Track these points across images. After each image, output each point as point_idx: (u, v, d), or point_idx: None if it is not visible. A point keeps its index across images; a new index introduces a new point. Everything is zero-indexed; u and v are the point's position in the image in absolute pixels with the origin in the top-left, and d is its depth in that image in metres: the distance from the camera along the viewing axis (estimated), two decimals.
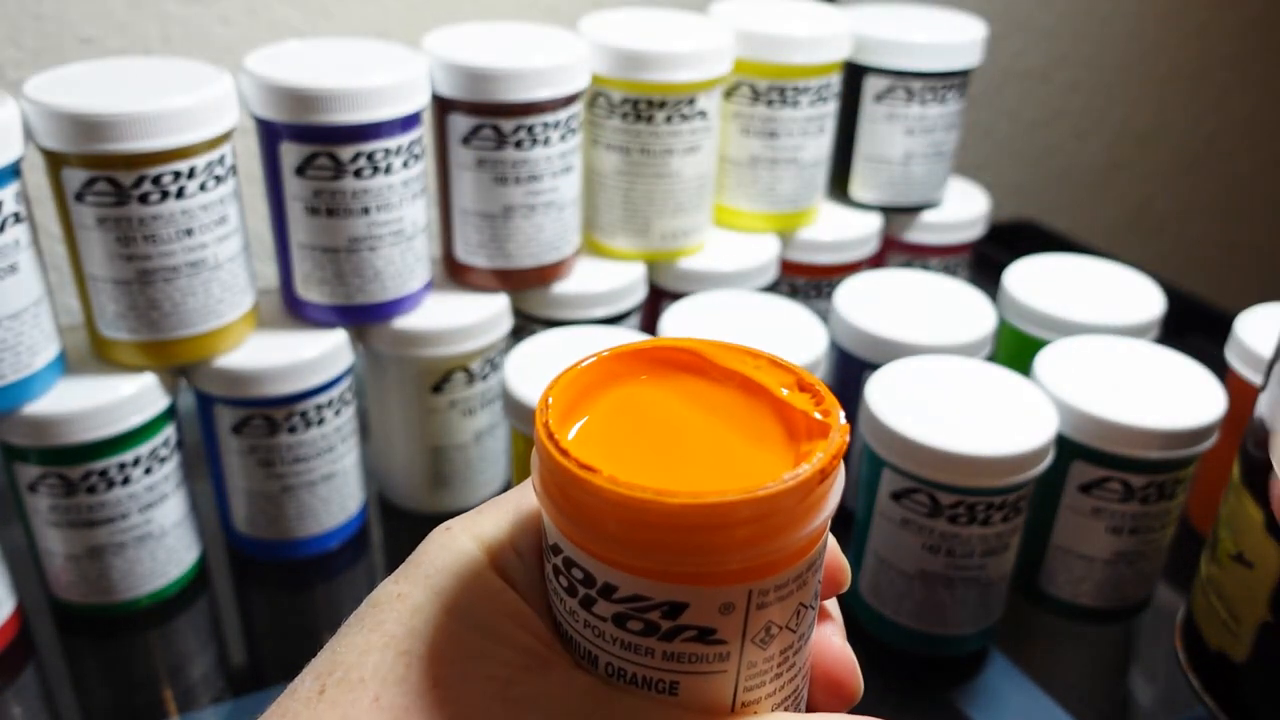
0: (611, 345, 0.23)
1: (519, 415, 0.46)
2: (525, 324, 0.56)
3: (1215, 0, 0.99)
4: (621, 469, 0.19)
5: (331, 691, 0.20)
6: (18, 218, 0.41)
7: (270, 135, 0.46)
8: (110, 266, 0.43)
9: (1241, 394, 0.50)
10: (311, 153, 0.45)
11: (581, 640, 0.21)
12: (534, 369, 0.47)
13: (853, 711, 0.25)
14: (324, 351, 0.48)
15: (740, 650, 0.20)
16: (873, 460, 0.45)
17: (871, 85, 0.63)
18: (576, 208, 0.54)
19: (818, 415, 0.21)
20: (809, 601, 0.21)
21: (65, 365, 0.45)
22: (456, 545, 0.22)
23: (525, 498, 0.24)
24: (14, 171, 0.41)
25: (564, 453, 0.19)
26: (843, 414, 0.21)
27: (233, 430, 0.48)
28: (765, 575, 0.20)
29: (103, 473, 0.45)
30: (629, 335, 0.51)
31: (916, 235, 0.68)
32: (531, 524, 0.23)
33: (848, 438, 0.20)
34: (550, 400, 0.21)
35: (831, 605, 0.25)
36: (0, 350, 0.41)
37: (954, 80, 0.63)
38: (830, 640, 0.24)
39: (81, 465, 0.44)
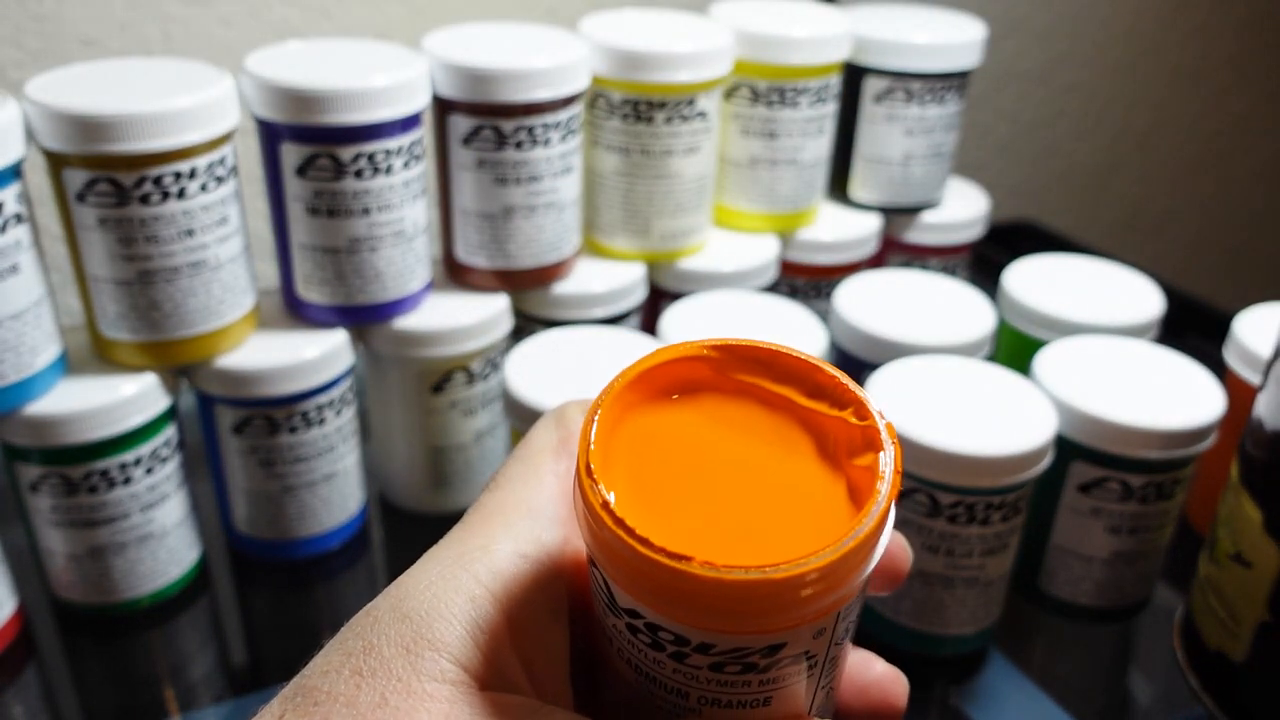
0: (621, 370, 0.22)
1: (519, 415, 0.46)
2: (525, 324, 0.56)
3: (1214, 1, 0.99)
4: (687, 534, 0.19)
5: (290, 715, 0.20)
6: (19, 218, 0.41)
7: (271, 136, 0.46)
8: (111, 267, 0.43)
9: (1240, 394, 0.50)
10: (312, 153, 0.46)
11: (669, 679, 0.21)
12: (534, 369, 0.47)
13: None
14: (324, 352, 0.48)
15: (826, 653, 0.21)
16: None
17: (871, 86, 0.63)
18: (577, 208, 0.55)
19: (856, 421, 0.21)
20: (865, 588, 0.22)
21: (66, 365, 0.45)
22: (441, 553, 0.22)
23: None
24: (15, 172, 0.41)
25: (646, 542, 0.18)
26: (882, 420, 0.20)
27: (233, 430, 0.48)
28: (846, 601, 0.20)
29: (104, 473, 0.45)
30: (629, 336, 0.51)
31: (916, 235, 0.68)
32: (534, 539, 0.23)
33: (900, 458, 0.20)
34: (592, 466, 0.20)
35: None
36: (2, 350, 0.41)
37: (953, 81, 0.63)
38: (872, 666, 0.25)
39: (83, 465, 0.44)
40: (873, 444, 0.20)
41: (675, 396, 0.22)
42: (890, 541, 0.24)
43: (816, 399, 0.21)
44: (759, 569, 0.18)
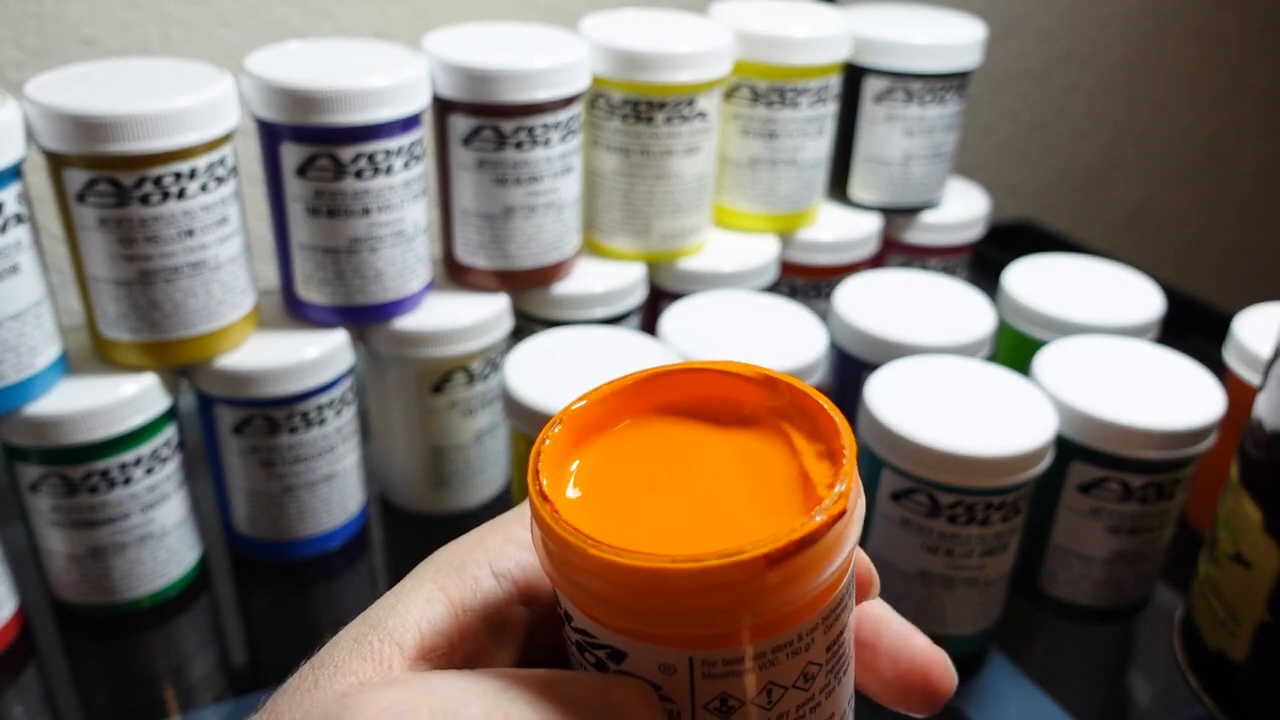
0: (616, 377, 0.22)
1: (519, 415, 0.46)
2: (525, 324, 0.56)
3: (1214, 2, 0.99)
4: (629, 533, 0.19)
5: (261, 713, 0.21)
6: (19, 219, 0.41)
7: (271, 136, 0.46)
8: (111, 267, 0.43)
9: (1240, 394, 0.50)
10: (312, 154, 0.46)
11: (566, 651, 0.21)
12: (534, 369, 0.47)
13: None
14: (324, 352, 0.48)
15: (692, 716, 0.20)
16: (872, 460, 0.45)
17: (871, 86, 0.63)
18: (576, 208, 0.55)
19: (825, 478, 0.20)
20: (797, 681, 0.20)
21: (67, 366, 0.45)
22: (426, 568, 0.22)
23: (526, 519, 0.23)
24: (15, 172, 0.41)
25: (560, 521, 0.19)
26: (842, 485, 0.19)
27: (233, 430, 0.48)
28: (712, 646, 0.19)
29: (104, 473, 0.45)
30: (629, 336, 0.51)
31: (916, 236, 0.68)
32: (528, 544, 0.23)
33: (849, 513, 0.19)
34: (557, 429, 0.21)
35: (883, 608, 0.25)
36: (2, 351, 0.41)
37: (953, 81, 0.63)
38: (913, 640, 0.25)
39: (83, 465, 0.44)
40: (836, 458, 0.19)
41: (627, 421, 0.22)
42: (859, 560, 0.23)
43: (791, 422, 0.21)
44: (639, 555, 0.18)
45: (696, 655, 0.19)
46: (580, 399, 0.22)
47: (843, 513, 0.18)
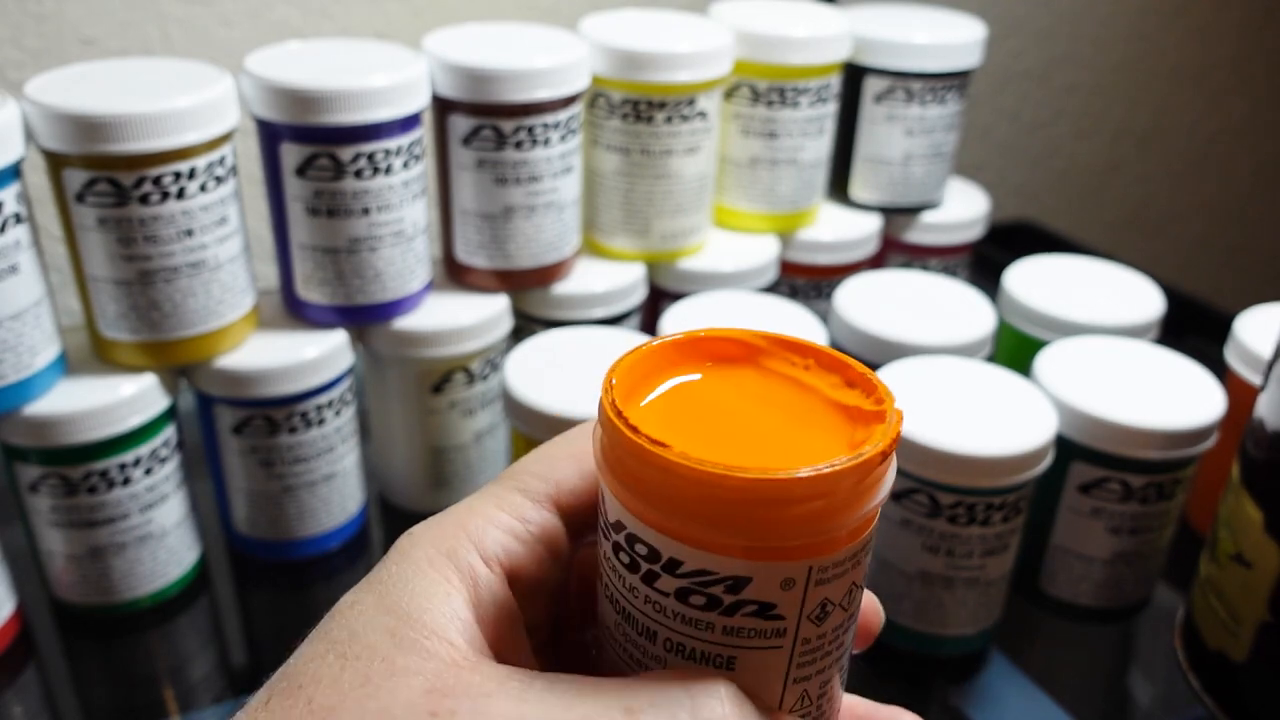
0: (665, 335, 0.23)
1: (519, 416, 0.46)
2: (525, 324, 0.56)
3: (1215, 1, 0.99)
4: (689, 447, 0.19)
5: (275, 700, 0.20)
6: (18, 218, 0.41)
7: (271, 136, 0.46)
8: (111, 267, 0.43)
9: (1241, 394, 0.50)
10: (312, 153, 0.45)
11: (640, 616, 0.21)
12: (534, 369, 0.47)
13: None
14: (324, 352, 0.48)
15: (797, 626, 0.21)
16: None
17: (871, 86, 0.63)
18: (576, 208, 0.55)
19: (871, 406, 0.22)
20: (860, 582, 0.22)
21: (66, 366, 0.45)
22: (415, 552, 0.22)
23: (501, 501, 0.24)
24: (15, 172, 0.41)
25: (634, 428, 0.20)
26: (897, 400, 0.21)
27: (233, 430, 0.48)
28: (825, 552, 0.20)
29: (103, 473, 0.45)
30: (634, 336, 0.51)
31: (916, 236, 0.68)
32: (509, 530, 0.23)
33: (903, 424, 0.21)
34: (614, 380, 0.21)
35: None
36: (1, 351, 0.41)
37: (954, 81, 0.63)
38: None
39: (82, 465, 0.44)
40: (877, 419, 0.21)
41: (701, 367, 0.23)
42: (865, 598, 0.24)
43: (853, 388, 0.22)
44: (727, 467, 0.19)
45: (815, 563, 0.20)
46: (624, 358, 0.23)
47: (899, 432, 0.21)
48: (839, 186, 0.67)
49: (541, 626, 0.25)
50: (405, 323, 0.51)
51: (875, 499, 0.20)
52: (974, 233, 0.69)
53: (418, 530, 0.23)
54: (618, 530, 0.21)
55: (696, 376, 0.23)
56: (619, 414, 0.20)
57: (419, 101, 0.47)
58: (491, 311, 0.52)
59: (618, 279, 0.56)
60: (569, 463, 0.24)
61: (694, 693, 0.20)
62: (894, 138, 0.64)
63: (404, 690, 0.20)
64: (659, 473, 0.19)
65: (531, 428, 0.45)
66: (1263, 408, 0.37)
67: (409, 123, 0.47)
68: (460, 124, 0.50)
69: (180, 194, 0.43)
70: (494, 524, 0.23)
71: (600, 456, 0.21)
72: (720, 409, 0.22)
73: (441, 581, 0.22)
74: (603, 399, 0.21)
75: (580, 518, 0.24)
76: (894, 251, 0.69)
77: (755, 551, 0.20)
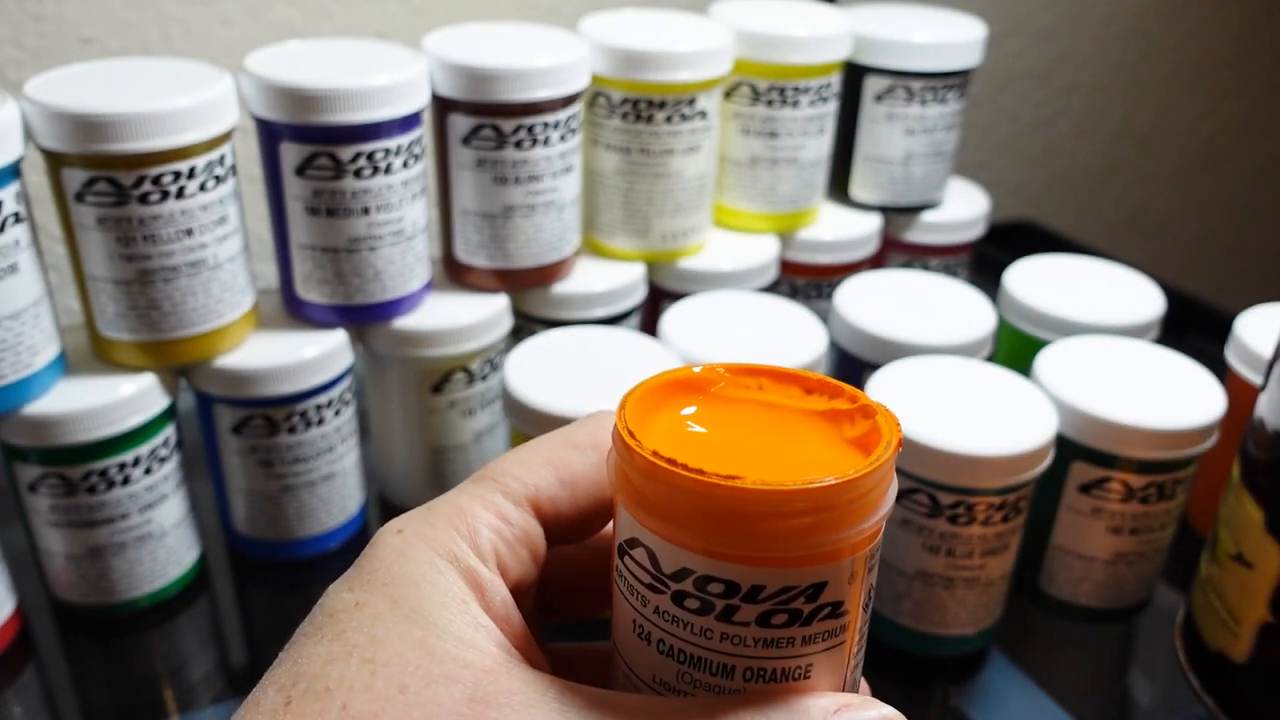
0: (624, 394, 0.23)
1: (519, 415, 0.46)
2: (525, 324, 0.56)
3: (1215, 2, 0.99)
4: (747, 474, 0.20)
5: (297, 702, 0.20)
6: (18, 218, 0.41)
7: (270, 135, 0.46)
8: (110, 266, 0.43)
9: (1241, 394, 0.50)
10: (311, 153, 0.45)
11: (714, 656, 0.21)
12: (534, 369, 0.47)
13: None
14: (324, 351, 0.48)
15: (857, 615, 0.22)
16: None
17: (871, 85, 0.63)
18: (576, 208, 0.54)
19: (845, 405, 0.23)
20: (877, 562, 0.23)
21: (65, 365, 0.45)
22: (413, 552, 0.22)
23: (485, 501, 0.24)
24: (14, 171, 0.41)
25: (699, 471, 0.20)
26: (873, 398, 0.23)
27: (233, 430, 0.48)
28: (874, 536, 0.22)
29: (103, 473, 0.45)
30: (629, 336, 0.51)
31: (916, 235, 0.68)
32: (496, 530, 0.23)
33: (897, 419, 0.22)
34: (630, 422, 0.21)
35: None
36: (0, 350, 0.41)
37: (954, 80, 0.63)
38: None
39: (81, 465, 0.44)
40: (867, 412, 0.22)
41: (691, 402, 0.23)
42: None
43: (813, 395, 0.23)
44: (807, 480, 0.19)
45: (865, 553, 0.21)
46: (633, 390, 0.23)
47: (900, 438, 0.22)
48: (839, 186, 0.67)
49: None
50: (405, 322, 0.51)
51: (895, 487, 0.22)
52: (974, 232, 0.69)
53: (408, 528, 0.23)
54: (681, 579, 0.21)
55: (691, 409, 0.23)
56: (673, 461, 0.20)
57: (419, 101, 0.47)
58: (491, 311, 0.52)
59: (618, 279, 0.56)
60: (546, 468, 0.24)
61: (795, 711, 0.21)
62: (894, 137, 0.64)
63: (446, 698, 0.20)
64: (739, 502, 0.20)
65: (531, 427, 0.45)
66: (1263, 407, 0.37)
67: (409, 122, 0.47)
68: (460, 123, 0.50)
69: (180, 193, 0.42)
70: (484, 524, 0.23)
71: (647, 507, 0.21)
72: (720, 440, 0.22)
73: (452, 587, 0.22)
74: (638, 452, 0.20)
75: (555, 523, 0.24)
76: (894, 251, 0.69)
77: (828, 554, 0.21)
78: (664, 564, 0.21)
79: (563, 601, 0.26)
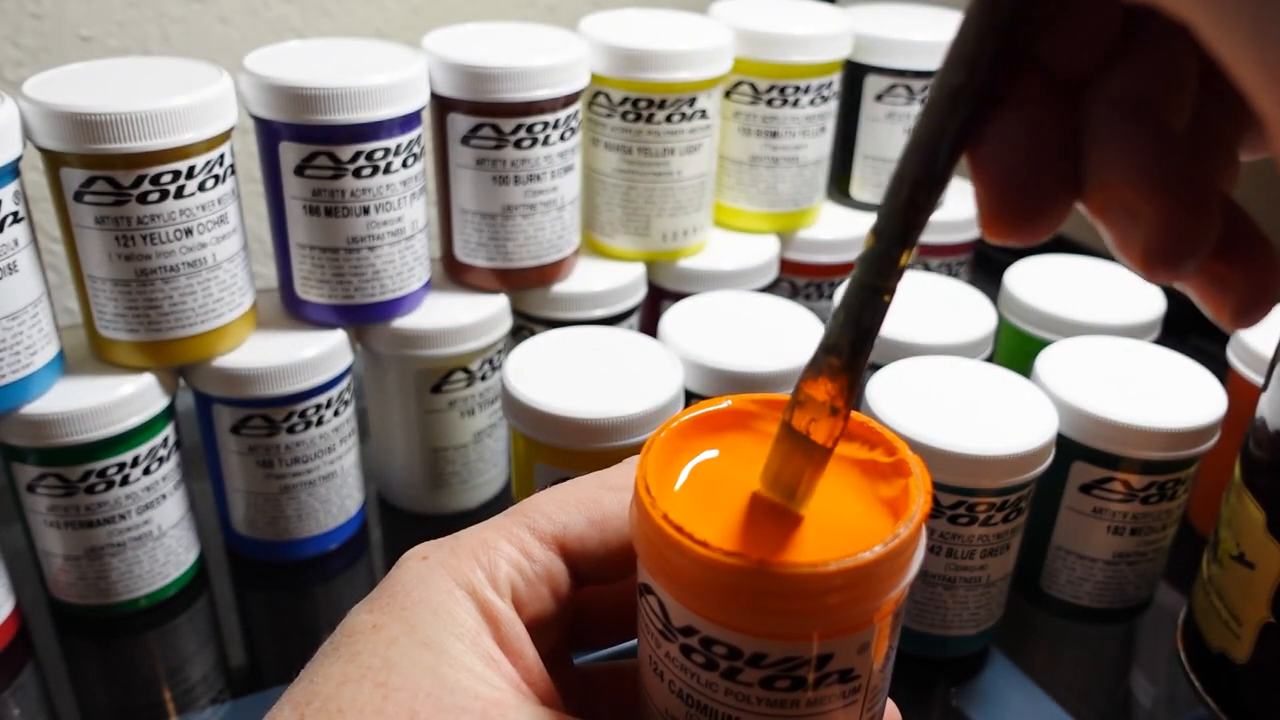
0: (668, 423, 0.23)
1: (519, 416, 0.46)
2: (525, 324, 0.56)
3: None
4: (749, 547, 0.20)
5: None
6: (16, 217, 0.41)
7: (269, 135, 0.46)
8: (109, 266, 0.43)
9: (1242, 394, 0.50)
10: (311, 152, 0.45)
11: (720, 707, 0.22)
12: (534, 369, 0.47)
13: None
14: (323, 351, 0.48)
15: (869, 678, 0.22)
16: None
17: (872, 85, 0.63)
18: (576, 207, 0.54)
19: (884, 458, 0.22)
20: (903, 614, 0.23)
21: (64, 365, 0.45)
22: (434, 580, 0.23)
23: (510, 536, 0.24)
24: (13, 171, 0.41)
25: (703, 543, 0.20)
26: (907, 449, 0.22)
27: (232, 430, 0.48)
28: (893, 608, 0.21)
29: (101, 473, 0.45)
30: (629, 336, 0.50)
31: None
32: (517, 566, 0.23)
33: (928, 479, 0.21)
34: (657, 495, 0.21)
35: None
36: None
37: None
38: None
39: (80, 465, 0.44)
40: (901, 471, 0.22)
41: (719, 442, 0.23)
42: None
43: (849, 442, 0.23)
44: (810, 565, 0.19)
45: (886, 621, 0.21)
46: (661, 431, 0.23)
47: (931, 488, 0.21)
48: (839, 186, 0.67)
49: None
50: (404, 322, 0.51)
51: (920, 553, 0.21)
52: (974, 232, 0.69)
53: (432, 555, 0.23)
54: (688, 634, 0.21)
55: (713, 454, 0.23)
56: (680, 530, 0.20)
57: (418, 100, 0.47)
58: (491, 311, 0.52)
59: (617, 278, 0.56)
60: (577, 508, 0.24)
61: None
62: (895, 136, 0.64)
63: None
64: (739, 579, 0.20)
65: (531, 428, 0.45)
66: (1264, 407, 0.37)
67: (408, 121, 0.47)
68: (460, 123, 0.50)
69: (179, 193, 0.42)
70: (504, 558, 0.23)
71: (657, 565, 0.21)
72: (745, 491, 0.22)
73: (467, 618, 0.22)
74: (651, 514, 0.21)
75: (584, 563, 0.25)
76: None
77: (837, 630, 0.20)
78: (673, 617, 0.21)
79: (597, 627, 0.27)
